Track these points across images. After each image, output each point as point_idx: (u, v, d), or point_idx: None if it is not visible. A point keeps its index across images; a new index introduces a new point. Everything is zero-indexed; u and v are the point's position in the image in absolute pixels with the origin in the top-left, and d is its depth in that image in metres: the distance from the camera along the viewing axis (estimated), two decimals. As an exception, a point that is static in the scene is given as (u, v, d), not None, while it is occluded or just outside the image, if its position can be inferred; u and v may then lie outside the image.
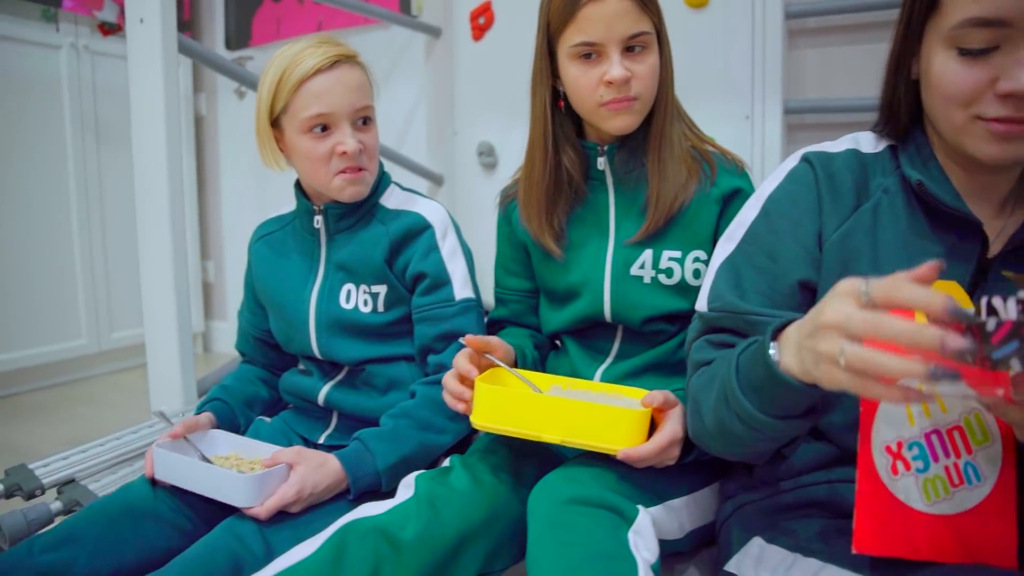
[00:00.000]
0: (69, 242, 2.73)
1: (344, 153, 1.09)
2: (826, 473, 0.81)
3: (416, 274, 1.14)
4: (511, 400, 0.89)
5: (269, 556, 0.92)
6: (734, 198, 1.03)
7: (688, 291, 1.04)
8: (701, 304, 0.89)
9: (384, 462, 1.03)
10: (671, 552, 0.94)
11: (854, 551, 0.69)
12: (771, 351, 0.67)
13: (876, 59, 1.70)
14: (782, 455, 0.86)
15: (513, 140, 2.16)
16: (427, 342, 1.15)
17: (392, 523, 0.87)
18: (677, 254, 1.04)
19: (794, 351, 0.64)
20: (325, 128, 1.09)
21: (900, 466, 0.70)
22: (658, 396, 0.87)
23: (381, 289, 1.16)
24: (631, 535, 0.79)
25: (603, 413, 0.86)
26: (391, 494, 0.94)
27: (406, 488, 0.93)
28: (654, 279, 1.05)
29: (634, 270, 1.06)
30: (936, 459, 0.70)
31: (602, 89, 1.00)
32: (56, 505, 1.16)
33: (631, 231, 1.06)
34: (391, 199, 1.20)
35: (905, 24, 0.78)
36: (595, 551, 0.76)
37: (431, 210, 1.18)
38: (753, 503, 0.87)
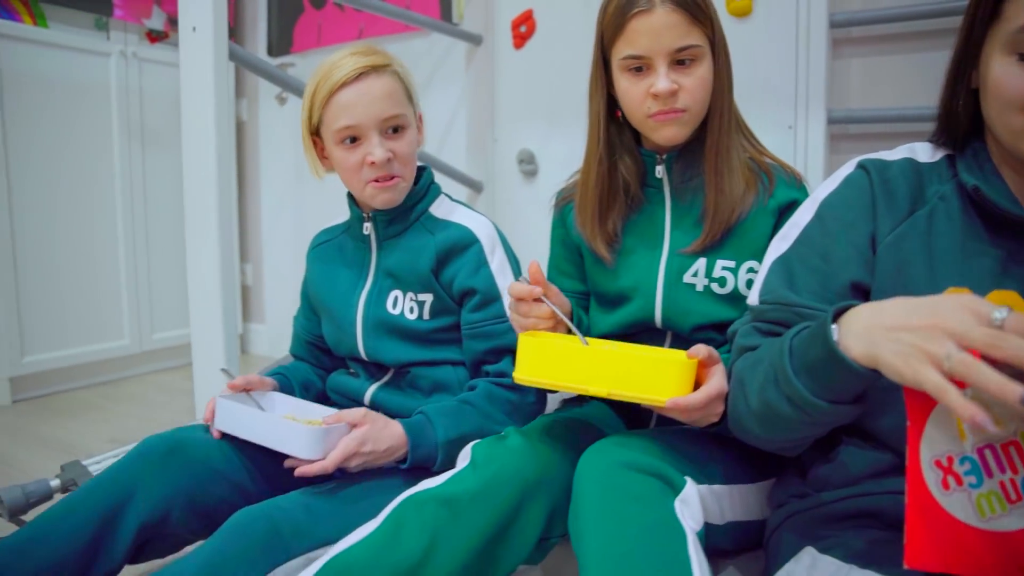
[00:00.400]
0: (114, 245, 2.79)
1: (373, 163, 1.11)
2: (881, 483, 0.80)
3: (465, 290, 1.16)
4: (556, 352, 0.88)
5: (313, 525, 0.95)
6: (790, 210, 1.02)
7: (740, 301, 1.04)
8: (753, 298, 0.90)
9: (444, 435, 1.05)
10: (712, 547, 0.94)
11: (905, 566, 0.68)
12: (832, 333, 0.68)
13: (921, 69, 1.69)
14: (832, 459, 0.85)
15: (553, 148, 2.17)
16: (479, 356, 1.17)
17: (449, 489, 0.88)
18: (731, 264, 1.04)
19: (865, 333, 0.66)
20: (355, 139, 1.12)
21: (951, 481, 0.69)
22: (703, 349, 0.86)
23: (427, 298, 1.18)
24: (677, 503, 0.80)
25: (650, 363, 0.85)
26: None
27: (463, 459, 0.95)
28: (707, 287, 1.05)
29: (687, 277, 1.06)
30: (990, 474, 0.68)
31: (649, 101, 1.01)
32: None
33: (686, 240, 1.06)
34: (439, 208, 1.22)
35: (966, 31, 0.78)
36: (644, 519, 0.77)
37: (478, 224, 1.19)
38: (805, 512, 0.86)
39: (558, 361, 0.87)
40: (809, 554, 0.80)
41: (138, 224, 2.85)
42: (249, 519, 0.93)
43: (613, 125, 1.10)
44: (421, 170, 1.25)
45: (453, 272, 1.17)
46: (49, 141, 2.56)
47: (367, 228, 1.21)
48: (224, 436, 1.10)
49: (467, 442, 1.00)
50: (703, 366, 0.87)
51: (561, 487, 0.91)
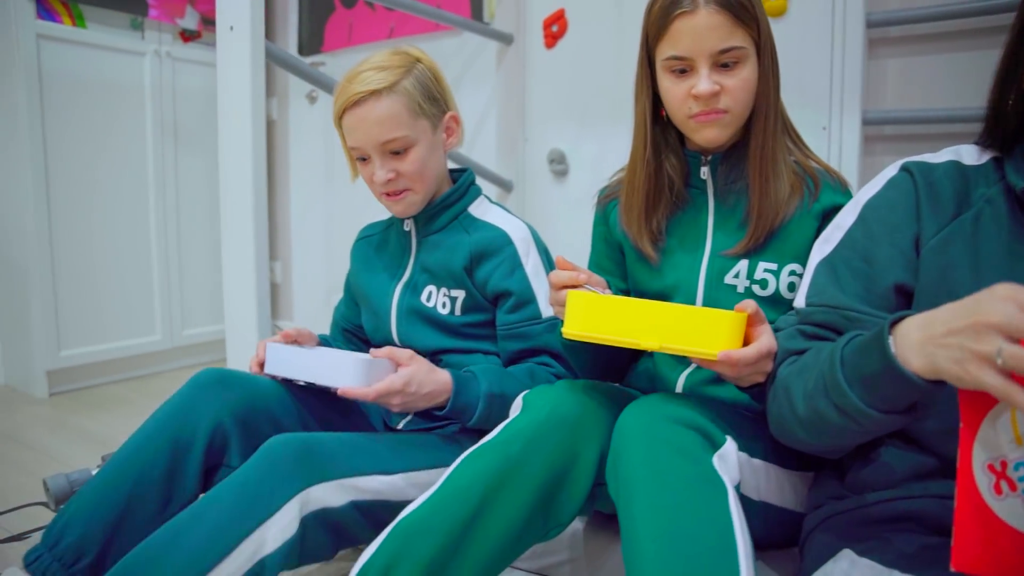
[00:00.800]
0: (147, 242, 2.83)
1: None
2: (923, 486, 0.79)
3: (500, 291, 1.18)
4: (607, 306, 0.87)
5: (346, 456, 1.00)
6: (834, 214, 1.01)
7: (781, 303, 1.03)
8: (799, 301, 0.89)
9: (487, 388, 1.08)
10: None
11: (952, 568, 0.67)
12: (890, 345, 0.67)
13: (959, 69, 1.67)
14: (872, 461, 0.84)
15: (584, 148, 2.17)
16: (515, 355, 1.19)
17: (504, 436, 0.89)
18: (773, 266, 1.04)
19: (921, 346, 0.64)
20: (363, 158, 1.17)
21: (1004, 486, 0.67)
22: (751, 304, 0.85)
23: (460, 294, 1.20)
24: (716, 459, 0.81)
25: (702, 316, 0.83)
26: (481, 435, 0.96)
27: (515, 410, 0.95)
28: (748, 289, 1.05)
29: (728, 279, 1.06)
30: None
31: (691, 102, 1.00)
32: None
33: (728, 243, 1.06)
34: (478, 209, 1.25)
35: (1018, 30, 0.76)
36: (686, 472, 0.78)
37: (514, 227, 1.21)
38: (843, 513, 0.85)
39: (608, 315, 0.86)
40: (847, 557, 0.80)
41: (170, 221, 2.89)
42: (283, 440, 0.97)
43: (658, 125, 1.09)
44: (461, 171, 1.28)
45: (487, 273, 1.18)
46: (85, 139, 2.61)
47: (408, 225, 1.25)
48: (278, 384, 1.15)
49: (507, 402, 1.01)
50: (751, 324, 0.86)
51: (608, 435, 0.91)
